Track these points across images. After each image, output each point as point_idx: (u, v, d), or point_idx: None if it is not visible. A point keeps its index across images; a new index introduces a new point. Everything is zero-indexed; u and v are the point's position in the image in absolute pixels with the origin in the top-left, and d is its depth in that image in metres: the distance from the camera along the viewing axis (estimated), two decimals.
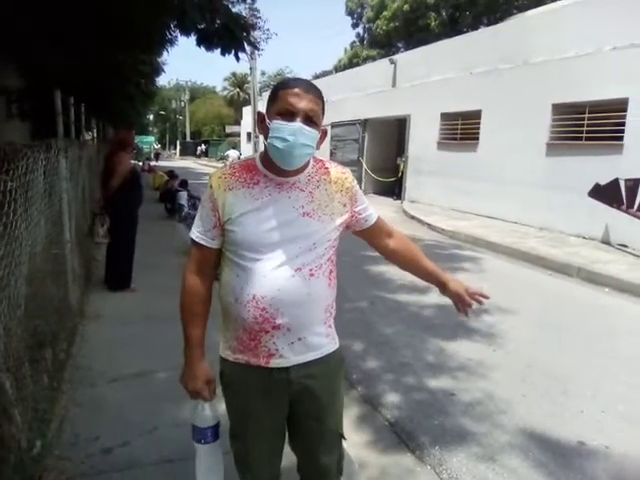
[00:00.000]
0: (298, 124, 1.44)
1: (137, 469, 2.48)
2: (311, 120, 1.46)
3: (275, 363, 1.56)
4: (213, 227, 1.56)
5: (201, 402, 1.65)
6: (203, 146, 49.52)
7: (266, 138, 1.49)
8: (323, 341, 1.63)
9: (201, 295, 1.61)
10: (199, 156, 47.48)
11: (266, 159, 1.54)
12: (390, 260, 1.85)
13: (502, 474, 2.69)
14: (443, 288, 1.81)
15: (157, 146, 52.62)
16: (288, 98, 1.45)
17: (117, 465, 2.50)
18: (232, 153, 29.01)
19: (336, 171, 1.64)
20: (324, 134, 1.55)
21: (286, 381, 1.57)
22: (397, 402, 3.44)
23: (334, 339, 1.69)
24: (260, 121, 1.54)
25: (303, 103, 1.45)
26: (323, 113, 1.51)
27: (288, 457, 1.80)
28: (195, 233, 1.59)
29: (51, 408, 2.88)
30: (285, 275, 1.50)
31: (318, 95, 1.49)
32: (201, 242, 1.58)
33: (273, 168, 1.52)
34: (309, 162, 1.58)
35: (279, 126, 1.45)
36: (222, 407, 1.71)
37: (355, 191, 1.66)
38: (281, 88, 1.48)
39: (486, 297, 1.77)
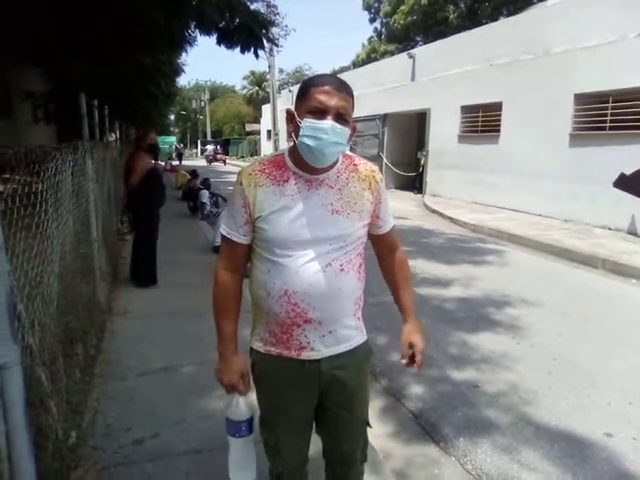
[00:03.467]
0: (330, 122, 1.43)
1: (168, 459, 2.56)
2: (342, 118, 1.45)
3: (306, 355, 1.58)
4: (244, 223, 1.56)
5: (236, 396, 1.66)
6: (210, 147, 39.20)
7: (297, 136, 1.48)
8: (352, 333, 1.65)
9: (233, 290, 1.63)
10: (210, 161, 37.40)
11: (295, 156, 1.54)
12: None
13: (527, 465, 2.68)
14: (404, 325, 1.83)
15: (180, 146, 51.99)
16: (319, 96, 1.43)
17: (148, 455, 2.58)
18: (209, 147, 36.10)
19: (365, 168, 1.63)
20: (354, 130, 1.54)
21: (317, 372, 1.60)
22: (421, 394, 3.45)
23: (362, 331, 1.71)
24: (290, 119, 1.53)
25: (334, 101, 1.43)
26: (353, 109, 1.50)
27: (315, 443, 1.84)
28: (226, 229, 1.60)
29: (84, 401, 2.98)
30: (316, 271, 1.51)
31: (349, 92, 1.48)
32: (232, 238, 1.58)
33: (303, 165, 1.52)
34: (338, 158, 1.58)
35: (310, 124, 1.44)
36: (253, 397, 1.74)
37: (381, 192, 1.66)
38: (311, 85, 1.47)
39: (416, 365, 1.74)
